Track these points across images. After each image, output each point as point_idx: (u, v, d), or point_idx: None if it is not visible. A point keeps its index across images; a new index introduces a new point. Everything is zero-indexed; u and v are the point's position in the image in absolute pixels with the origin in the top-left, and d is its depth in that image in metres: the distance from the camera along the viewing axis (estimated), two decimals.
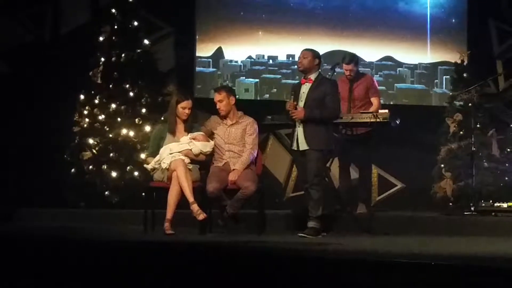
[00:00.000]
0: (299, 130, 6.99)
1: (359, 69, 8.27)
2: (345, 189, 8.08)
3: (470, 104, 8.65)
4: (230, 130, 7.21)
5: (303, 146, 6.97)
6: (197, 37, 9.88)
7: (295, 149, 7.05)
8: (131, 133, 8.74)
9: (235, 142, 7.19)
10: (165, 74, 9.53)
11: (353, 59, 8.03)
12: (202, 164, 7.20)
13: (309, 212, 6.93)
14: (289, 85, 9.98)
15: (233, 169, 7.06)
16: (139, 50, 9.02)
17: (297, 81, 9.92)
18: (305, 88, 7.06)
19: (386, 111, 7.69)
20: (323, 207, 6.95)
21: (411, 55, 10.28)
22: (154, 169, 7.13)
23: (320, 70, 7.16)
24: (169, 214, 6.88)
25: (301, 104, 7.00)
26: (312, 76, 7.05)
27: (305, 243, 6.26)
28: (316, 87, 7.01)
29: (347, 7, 10.17)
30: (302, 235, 6.82)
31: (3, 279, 4.82)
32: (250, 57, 10.02)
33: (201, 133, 7.19)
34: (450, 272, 4.38)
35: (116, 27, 8.99)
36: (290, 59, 10.06)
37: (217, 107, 7.23)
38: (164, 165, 7.01)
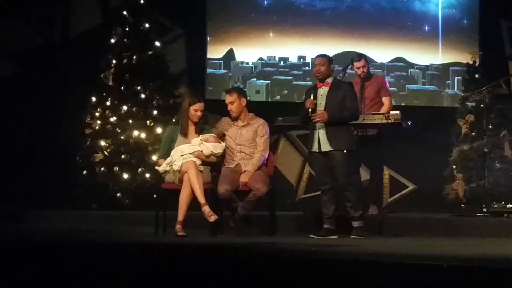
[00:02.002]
0: (321, 132, 6.99)
1: (370, 70, 8.25)
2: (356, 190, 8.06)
3: (482, 105, 8.63)
4: (241, 132, 7.21)
5: (326, 147, 6.97)
6: (208, 38, 9.90)
7: (316, 151, 7.04)
8: (143, 135, 8.77)
9: (246, 143, 7.19)
10: (176, 76, 9.56)
11: (363, 55, 8.02)
12: (213, 165, 7.21)
13: (350, 213, 6.99)
14: (300, 86, 10.04)
15: (245, 171, 7.06)
16: (150, 52, 9.05)
17: (309, 83, 10.03)
18: (322, 92, 7.05)
19: (398, 112, 7.68)
20: (362, 206, 7.07)
21: (423, 56, 10.27)
22: (165, 171, 7.14)
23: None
24: (180, 216, 6.88)
25: (321, 107, 7.00)
26: (329, 80, 7.07)
27: (316, 245, 6.25)
28: (334, 90, 7.03)
29: (358, 8, 10.18)
30: (354, 236, 6.89)
31: (14, 281, 4.84)
32: (261, 58, 10.04)
33: (212, 134, 7.19)
34: (462, 274, 4.36)
35: (127, 29, 9.02)
36: (301, 60, 10.07)
37: (229, 108, 7.23)
38: (175, 167, 7.02)
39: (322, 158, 7.04)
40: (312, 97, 7.01)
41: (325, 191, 7.06)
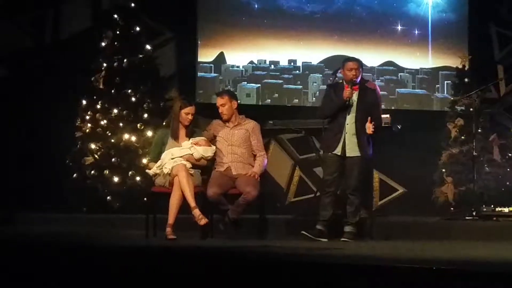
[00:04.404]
0: (348, 137, 7.02)
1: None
2: (345, 193, 8.08)
3: (471, 109, 8.67)
4: (233, 132, 7.24)
5: (353, 153, 7.01)
6: (199, 42, 9.90)
7: (338, 154, 7.06)
8: (133, 138, 8.76)
9: (237, 143, 7.21)
10: (167, 79, 9.56)
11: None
12: (204, 169, 7.22)
13: (347, 217, 7.06)
14: (291, 90, 10.06)
15: (253, 172, 7.10)
16: (141, 55, 9.04)
17: (299, 87, 10.06)
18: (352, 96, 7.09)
19: (388, 116, 7.70)
20: (360, 213, 7.13)
21: (413, 60, 10.29)
22: (156, 174, 7.14)
23: None
24: (170, 219, 6.89)
25: (352, 112, 7.04)
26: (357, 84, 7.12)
27: (307, 248, 6.26)
28: (362, 96, 7.07)
29: (348, 12, 10.20)
30: (345, 239, 6.94)
31: (3, 284, 4.83)
32: (251, 62, 10.04)
33: (203, 138, 7.21)
34: (451, 277, 4.38)
35: (118, 32, 9.01)
36: (292, 64, 10.08)
37: (220, 111, 7.25)
38: (166, 170, 7.02)
39: (340, 160, 7.06)
40: (350, 86, 7.01)
41: (329, 193, 7.07)
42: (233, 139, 7.21)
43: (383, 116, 7.72)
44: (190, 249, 6.13)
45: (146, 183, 7.68)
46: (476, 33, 10.19)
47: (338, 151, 7.05)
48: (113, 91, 8.89)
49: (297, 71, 10.11)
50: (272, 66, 10.08)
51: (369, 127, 6.97)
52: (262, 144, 7.34)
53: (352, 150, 7.02)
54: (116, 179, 8.68)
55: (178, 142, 7.18)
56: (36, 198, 8.68)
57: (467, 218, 7.90)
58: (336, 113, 7.08)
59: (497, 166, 8.89)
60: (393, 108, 9.89)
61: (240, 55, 9.99)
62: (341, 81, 7.24)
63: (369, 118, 7.00)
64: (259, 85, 10.04)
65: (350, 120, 7.05)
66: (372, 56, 10.08)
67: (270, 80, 10.07)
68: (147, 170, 7.31)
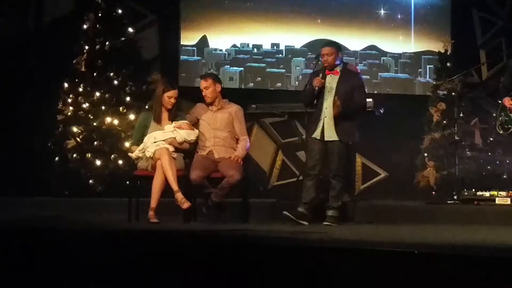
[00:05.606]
0: (326, 121, 7.02)
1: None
2: (328, 178, 8.10)
3: (453, 94, 8.71)
4: (216, 115, 7.24)
5: (331, 137, 7.02)
6: (181, 25, 9.85)
7: (317, 138, 7.06)
8: (115, 122, 8.72)
9: (220, 127, 7.21)
10: (149, 62, 9.52)
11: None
12: (187, 152, 7.21)
13: (329, 202, 7.08)
14: (273, 74, 10.04)
15: (235, 155, 7.08)
16: (123, 38, 8.98)
17: (282, 70, 10.06)
18: (331, 80, 7.07)
19: (370, 100, 7.72)
20: (342, 197, 7.15)
21: (395, 44, 10.30)
22: (138, 157, 7.13)
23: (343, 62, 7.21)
24: (153, 202, 6.88)
25: (330, 97, 7.02)
26: (338, 69, 7.10)
27: (289, 232, 6.28)
28: (343, 80, 7.06)
29: None
30: (327, 223, 6.96)
31: None
32: (234, 45, 10.01)
33: (186, 121, 7.20)
34: (433, 260, 4.41)
35: (100, 15, 8.94)
36: (275, 47, 10.06)
37: (203, 94, 7.25)
38: (148, 154, 7.01)
39: (321, 144, 7.07)
40: (321, 75, 7.01)
41: (311, 176, 7.09)
42: (216, 123, 7.21)
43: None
44: (173, 233, 6.13)
45: (129, 167, 7.67)
46: (459, 17, 10.21)
47: (317, 135, 7.08)
48: (95, 74, 8.84)
49: (280, 55, 10.10)
50: (255, 50, 10.06)
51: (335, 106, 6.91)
52: (245, 128, 7.35)
53: (331, 134, 7.03)
54: (98, 162, 8.65)
55: (161, 126, 7.17)
56: (18, 182, 8.64)
57: (448, 202, 7.95)
58: (315, 98, 7.09)
59: (479, 150, 8.94)
60: (375, 92, 9.91)
61: (223, 38, 9.95)
62: (321, 67, 7.24)
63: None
64: (242, 68, 10.02)
65: (328, 104, 7.05)
66: (355, 40, 10.09)
67: (253, 64, 10.06)
68: (129, 154, 7.30)
